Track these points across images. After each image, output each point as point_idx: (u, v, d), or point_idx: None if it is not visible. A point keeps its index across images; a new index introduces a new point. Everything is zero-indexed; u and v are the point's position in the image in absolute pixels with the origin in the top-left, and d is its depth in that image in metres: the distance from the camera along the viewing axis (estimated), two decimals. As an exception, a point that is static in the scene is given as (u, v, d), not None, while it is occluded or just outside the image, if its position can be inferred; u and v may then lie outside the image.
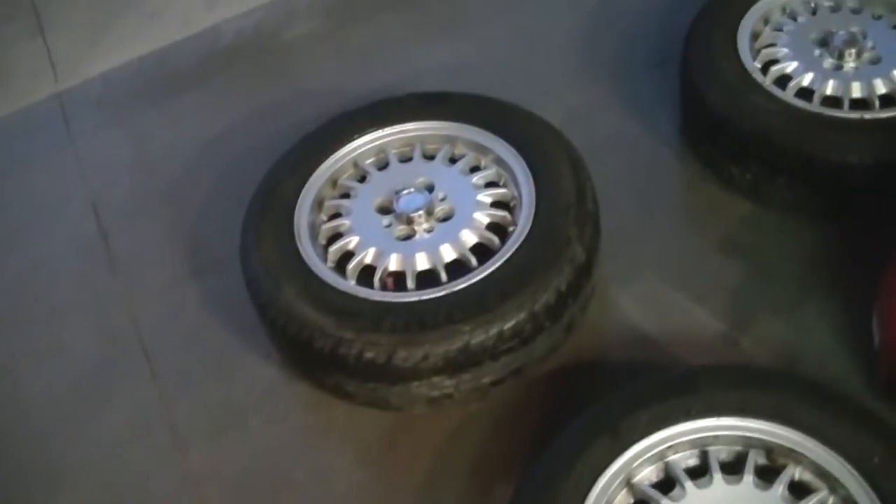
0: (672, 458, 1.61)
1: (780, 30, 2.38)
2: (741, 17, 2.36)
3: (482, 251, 2.00)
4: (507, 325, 1.82)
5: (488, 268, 1.91)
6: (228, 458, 2.05)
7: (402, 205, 2.09)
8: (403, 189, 2.12)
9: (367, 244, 2.05)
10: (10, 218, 2.72)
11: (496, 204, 2.10)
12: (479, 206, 2.09)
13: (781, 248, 2.20)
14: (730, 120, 2.16)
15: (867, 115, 2.11)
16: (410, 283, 1.98)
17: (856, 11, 2.41)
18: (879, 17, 2.38)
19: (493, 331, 1.81)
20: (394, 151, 2.25)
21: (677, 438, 1.59)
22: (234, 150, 2.72)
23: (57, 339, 2.36)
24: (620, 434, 1.59)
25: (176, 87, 3.01)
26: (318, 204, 2.16)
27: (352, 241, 2.07)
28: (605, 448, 1.58)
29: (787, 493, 1.55)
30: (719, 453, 1.61)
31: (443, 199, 2.12)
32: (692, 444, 1.61)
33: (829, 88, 2.23)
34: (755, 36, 2.35)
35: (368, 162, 2.24)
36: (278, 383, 2.15)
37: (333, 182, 2.21)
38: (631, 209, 2.34)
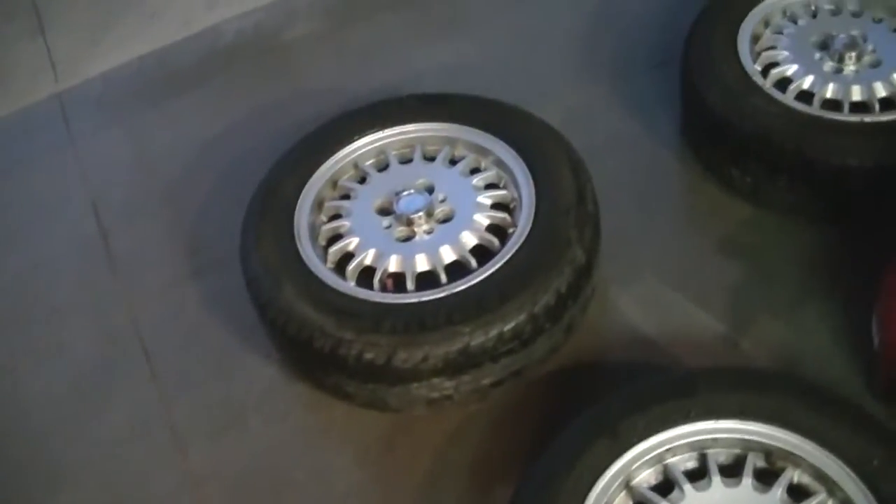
0: (671, 460, 1.61)
1: (781, 33, 2.38)
2: (742, 20, 2.36)
3: (482, 253, 2.00)
4: (507, 327, 1.82)
5: (488, 269, 1.91)
6: (228, 458, 2.05)
7: (402, 206, 2.09)
8: (403, 190, 2.12)
9: (366, 245, 2.05)
10: (10, 218, 2.72)
11: (496, 205, 2.10)
12: (479, 207, 2.09)
13: (781, 250, 2.20)
14: (730, 122, 2.16)
15: (867, 119, 2.11)
16: (410, 285, 1.98)
17: (856, 15, 2.41)
18: (880, 21, 2.38)
19: (493, 332, 1.81)
20: (394, 153, 2.25)
21: (676, 441, 1.60)
22: (234, 150, 2.72)
23: (57, 339, 2.36)
24: (620, 435, 1.59)
25: (176, 87, 3.01)
26: (319, 205, 2.16)
27: (352, 243, 2.07)
28: (605, 449, 1.58)
29: (785, 496, 1.55)
30: (718, 456, 1.61)
31: (443, 201, 2.12)
32: (691, 446, 1.61)
33: (830, 91, 2.23)
34: (756, 38, 2.35)
35: (369, 163, 2.25)
36: (278, 383, 2.15)
37: (334, 183, 2.21)
38: (631, 210, 2.34)
